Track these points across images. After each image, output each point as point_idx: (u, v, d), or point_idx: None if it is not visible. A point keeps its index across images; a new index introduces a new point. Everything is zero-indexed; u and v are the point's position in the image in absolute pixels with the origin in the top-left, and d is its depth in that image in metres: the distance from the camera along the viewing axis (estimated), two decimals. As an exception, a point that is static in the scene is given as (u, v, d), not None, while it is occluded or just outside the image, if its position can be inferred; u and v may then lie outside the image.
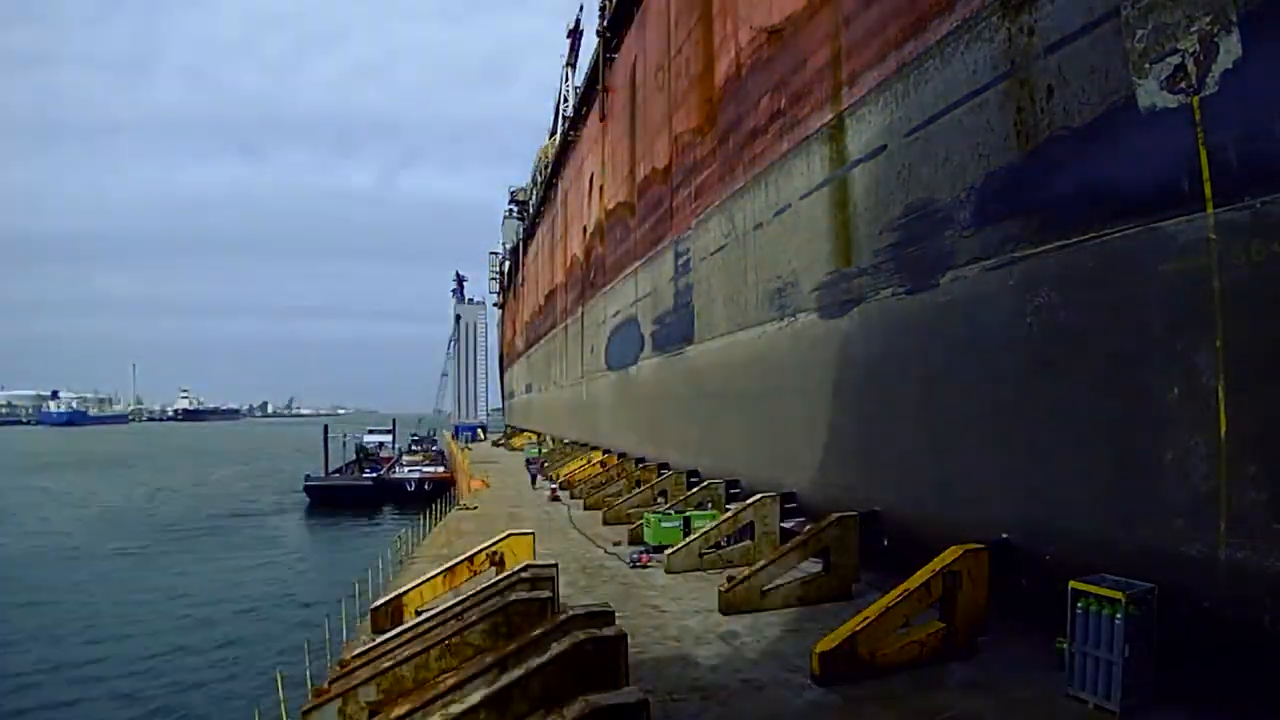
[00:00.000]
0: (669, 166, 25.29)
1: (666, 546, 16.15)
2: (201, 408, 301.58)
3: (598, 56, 37.28)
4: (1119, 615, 7.63)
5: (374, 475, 54.09)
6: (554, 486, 30.31)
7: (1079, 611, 8.01)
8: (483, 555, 13.05)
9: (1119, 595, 7.68)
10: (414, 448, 74.10)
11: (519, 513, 24.94)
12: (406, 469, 56.27)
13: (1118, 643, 7.63)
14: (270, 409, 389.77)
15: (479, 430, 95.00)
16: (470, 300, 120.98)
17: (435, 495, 38.25)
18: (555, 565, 11.08)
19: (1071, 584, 8.13)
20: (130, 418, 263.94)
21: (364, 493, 49.10)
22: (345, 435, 66.88)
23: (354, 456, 66.09)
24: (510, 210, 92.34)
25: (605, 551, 17.73)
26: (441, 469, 55.11)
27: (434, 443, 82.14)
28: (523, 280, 77.81)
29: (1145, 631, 7.71)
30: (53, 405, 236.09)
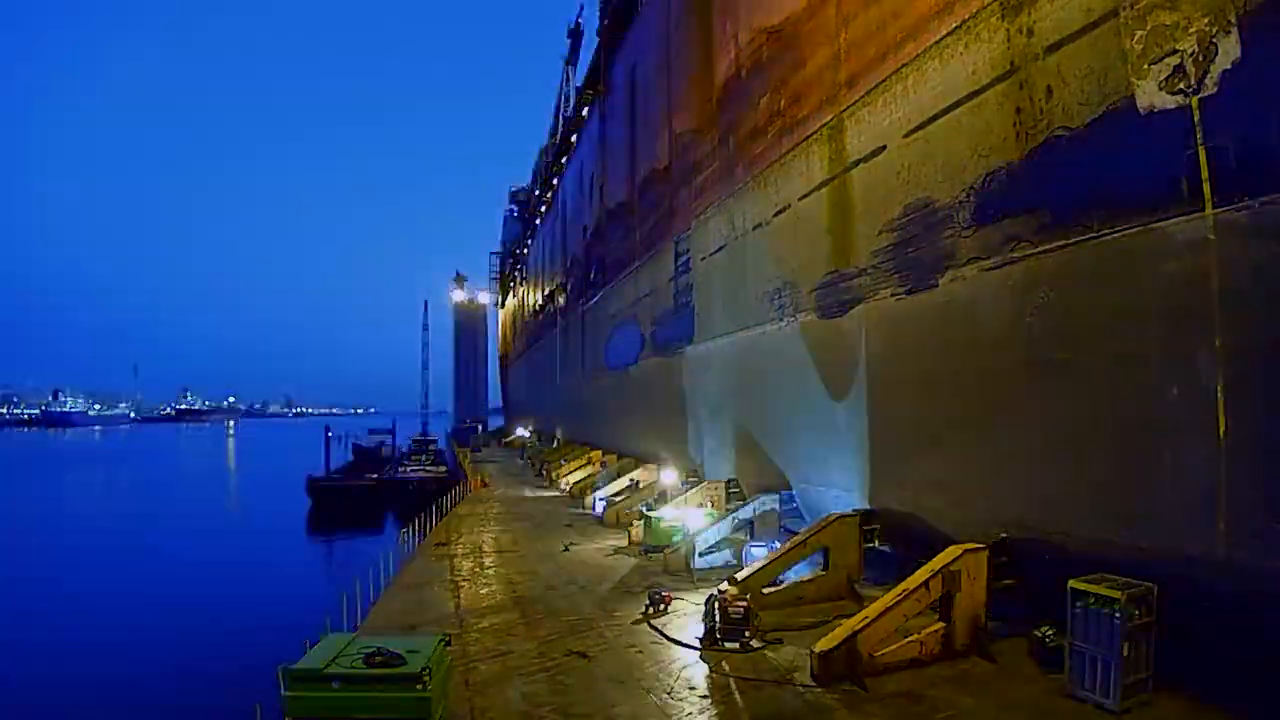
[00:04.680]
0: (669, 166, 25.28)
1: (666, 546, 16.18)
2: (201, 407, 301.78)
3: (598, 57, 37.30)
4: (1118, 614, 7.63)
5: (375, 475, 54.06)
6: None
7: (1079, 610, 8.02)
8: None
9: (1118, 594, 7.69)
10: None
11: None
12: (410, 469, 56.23)
13: (1117, 641, 7.64)
14: (270, 409, 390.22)
15: (478, 430, 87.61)
16: (470, 300, 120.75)
17: (438, 495, 38.29)
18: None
19: (1071, 583, 8.15)
20: (130, 417, 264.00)
21: (367, 493, 49.09)
22: (345, 435, 66.81)
23: (353, 456, 65.98)
24: (511, 209, 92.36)
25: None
26: (444, 469, 55.10)
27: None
28: (523, 280, 77.83)
29: (1144, 630, 7.73)
30: (55, 405, 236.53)
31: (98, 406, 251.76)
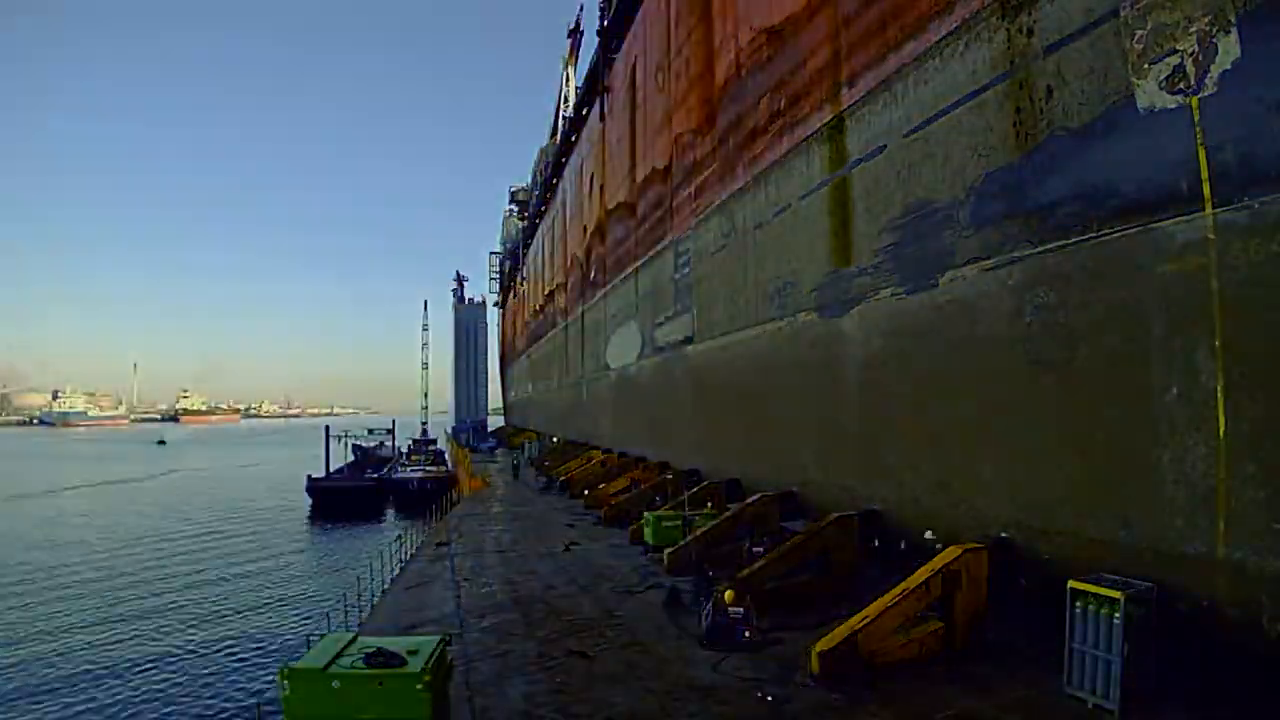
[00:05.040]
0: (669, 166, 25.29)
1: (666, 546, 16.17)
2: (200, 408, 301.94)
3: (598, 57, 37.30)
4: (1118, 615, 7.63)
5: (375, 475, 54.13)
6: None
7: (1078, 611, 8.02)
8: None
9: (1118, 595, 7.69)
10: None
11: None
12: (410, 469, 56.30)
13: (1116, 642, 7.64)
14: (268, 409, 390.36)
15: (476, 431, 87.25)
16: (470, 300, 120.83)
17: (438, 495, 38.34)
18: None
19: (1070, 583, 8.14)
20: (130, 418, 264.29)
21: (367, 493, 49.16)
22: (345, 433, 66.82)
23: (353, 457, 65.99)
24: (511, 209, 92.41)
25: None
26: (444, 469, 55.18)
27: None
28: (523, 280, 77.83)
29: (1144, 631, 7.72)
30: (55, 405, 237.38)
31: (99, 408, 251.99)
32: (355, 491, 49.57)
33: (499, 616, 12.41)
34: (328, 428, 56.66)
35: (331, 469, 54.10)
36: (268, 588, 28.12)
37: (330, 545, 38.65)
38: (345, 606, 14.52)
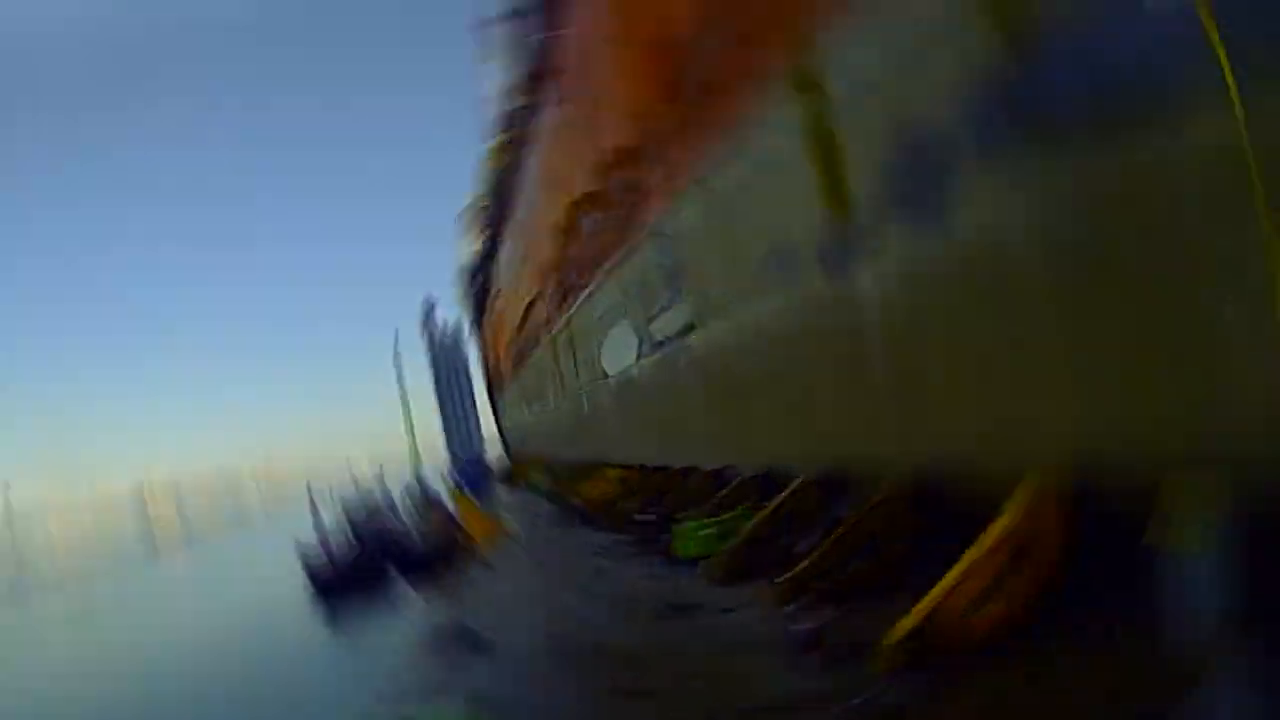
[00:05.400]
0: (636, 144, 25.11)
1: (703, 557, 16.07)
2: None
3: (542, 36, 37.14)
4: (1207, 560, 7.40)
5: (380, 550, 53.10)
6: None
7: (1163, 564, 7.78)
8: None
9: (1206, 534, 7.48)
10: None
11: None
12: (413, 534, 55.65)
13: (1208, 590, 7.42)
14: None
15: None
16: (445, 326, 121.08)
17: (449, 555, 38.07)
18: None
19: (1152, 533, 7.89)
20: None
21: (374, 573, 48.29)
22: (330, 491, 66.27)
23: (350, 530, 65.11)
24: (470, 221, 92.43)
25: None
26: (451, 525, 54.75)
27: None
28: (497, 295, 77.75)
29: (1235, 575, 7.49)
30: None
31: None
32: (360, 574, 49.09)
33: (533, 665, 12.28)
34: (309, 485, 56.13)
35: (327, 545, 53.71)
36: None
37: (341, 634, 38.55)
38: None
